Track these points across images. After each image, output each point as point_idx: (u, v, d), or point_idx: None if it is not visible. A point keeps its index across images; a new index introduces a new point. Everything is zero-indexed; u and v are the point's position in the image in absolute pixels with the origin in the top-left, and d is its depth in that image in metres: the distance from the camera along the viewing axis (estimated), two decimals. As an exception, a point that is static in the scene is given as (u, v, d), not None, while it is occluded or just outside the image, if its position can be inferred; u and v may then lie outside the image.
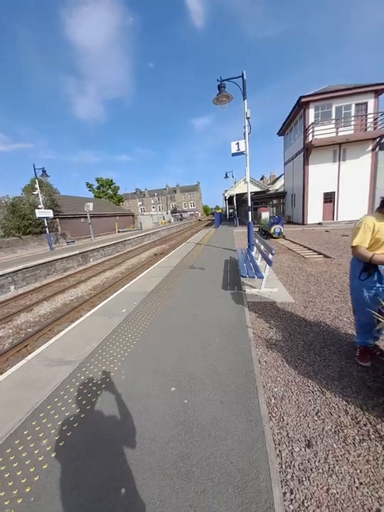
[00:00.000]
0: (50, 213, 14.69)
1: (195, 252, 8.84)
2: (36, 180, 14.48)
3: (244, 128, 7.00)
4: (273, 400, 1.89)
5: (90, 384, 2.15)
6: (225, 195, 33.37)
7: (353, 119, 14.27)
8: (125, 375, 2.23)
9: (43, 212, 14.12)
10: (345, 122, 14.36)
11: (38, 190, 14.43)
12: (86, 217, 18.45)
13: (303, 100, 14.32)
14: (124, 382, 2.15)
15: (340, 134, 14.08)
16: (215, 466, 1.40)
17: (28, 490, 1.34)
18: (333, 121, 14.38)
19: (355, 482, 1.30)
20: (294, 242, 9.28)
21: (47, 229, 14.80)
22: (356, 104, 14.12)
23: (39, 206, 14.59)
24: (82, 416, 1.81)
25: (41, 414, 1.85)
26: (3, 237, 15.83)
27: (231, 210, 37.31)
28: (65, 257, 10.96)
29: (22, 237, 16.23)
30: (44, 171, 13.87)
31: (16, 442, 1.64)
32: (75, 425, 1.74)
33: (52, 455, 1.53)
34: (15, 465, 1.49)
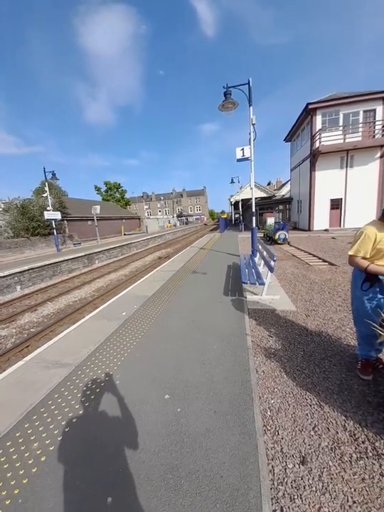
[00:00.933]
0: (58, 215, 15.00)
1: (199, 257, 8.83)
2: (46, 183, 14.86)
3: (250, 134, 7.03)
4: (269, 412, 1.84)
5: (85, 388, 2.14)
6: (231, 200, 33.36)
7: (360, 125, 14.14)
8: (120, 381, 2.22)
9: (51, 214, 14.44)
10: (352, 129, 14.23)
11: (48, 192, 14.79)
12: (93, 219, 18.75)
13: (310, 107, 14.31)
14: (119, 387, 2.13)
15: (347, 140, 13.95)
16: (205, 479, 1.36)
17: (16, 492, 1.34)
18: (341, 128, 14.28)
19: (348, 501, 1.25)
20: (298, 249, 9.16)
21: (54, 231, 15.10)
22: (364, 111, 14.01)
23: (48, 208, 14.93)
24: (74, 421, 1.81)
25: (34, 417, 1.85)
26: (13, 238, 16.22)
27: (237, 215, 37.26)
28: (71, 259, 11.12)
29: (30, 238, 16.59)
30: (54, 174, 14.23)
31: (8, 444, 1.64)
32: (66, 430, 1.73)
33: (42, 459, 1.52)
34: (5, 466, 1.49)
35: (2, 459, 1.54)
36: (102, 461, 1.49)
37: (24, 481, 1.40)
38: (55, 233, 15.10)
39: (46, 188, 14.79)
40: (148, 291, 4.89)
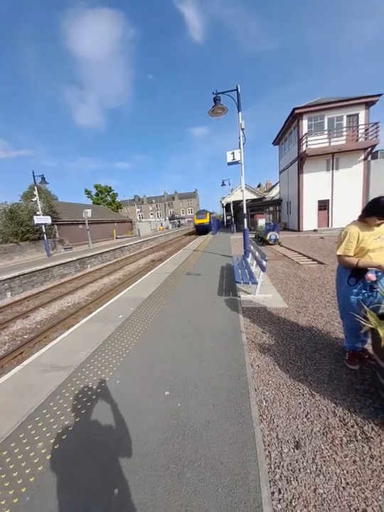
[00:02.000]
0: (48, 220, 14.77)
1: (192, 259, 8.92)
2: (35, 187, 14.62)
3: (239, 139, 7.24)
4: (264, 403, 1.94)
5: (85, 389, 2.18)
6: (223, 202, 33.75)
7: (344, 129, 14.74)
8: (120, 380, 2.27)
9: (41, 219, 14.20)
10: (337, 133, 14.82)
11: (37, 196, 14.54)
12: (84, 223, 18.54)
13: (297, 111, 14.81)
14: (119, 386, 2.18)
15: (332, 144, 14.50)
16: (206, 467, 1.44)
17: (24, 490, 1.37)
18: (326, 132, 14.84)
19: (342, 482, 1.35)
20: (289, 249, 9.42)
21: (45, 235, 14.83)
22: (348, 116, 14.63)
23: (37, 213, 14.68)
24: (77, 420, 1.85)
25: (37, 419, 1.88)
26: (1, 244, 15.80)
27: (228, 217, 37.73)
28: (63, 264, 10.97)
29: (19, 244, 16.21)
30: (43, 178, 14.03)
31: (12, 445, 1.67)
32: (70, 429, 1.77)
33: (48, 457, 1.56)
34: (11, 466, 1.52)
35: (7, 460, 1.56)
36: (106, 456, 1.54)
37: (31, 480, 1.43)
38: (46, 238, 14.83)
39: (35, 192, 14.55)
40: (144, 294, 4.94)
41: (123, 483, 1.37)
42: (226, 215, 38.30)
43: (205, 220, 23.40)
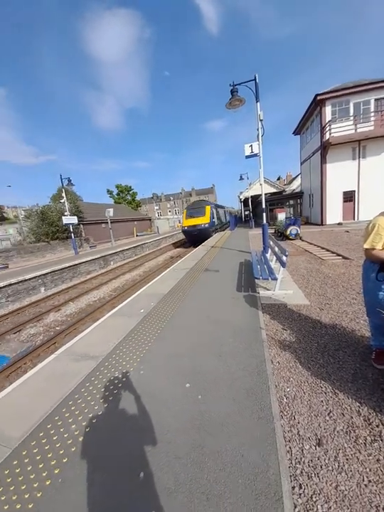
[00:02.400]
0: (75, 220, 15.64)
1: (210, 255, 8.93)
2: (63, 189, 15.51)
3: (258, 130, 7.04)
4: (285, 400, 1.93)
5: (112, 378, 2.34)
6: (240, 197, 33.07)
7: (372, 114, 13.61)
8: (143, 371, 2.39)
9: (68, 219, 15.08)
10: (364, 118, 13.73)
11: (64, 198, 15.43)
12: (107, 222, 19.32)
13: (319, 98, 13.94)
14: (143, 377, 2.31)
15: (359, 130, 13.48)
16: (227, 458, 1.48)
17: (56, 471, 1.50)
18: (352, 118, 13.82)
19: (364, 480, 1.33)
20: (311, 244, 9.03)
21: (72, 234, 15.74)
22: (376, 99, 13.47)
23: (65, 213, 15.59)
24: (105, 406, 1.99)
25: (70, 403, 2.06)
26: (35, 243, 17.08)
27: (246, 212, 36.92)
28: (88, 261, 11.59)
29: (50, 243, 17.41)
30: (69, 181, 14.83)
31: (48, 426, 1.85)
32: (99, 414, 1.91)
33: (80, 439, 1.71)
34: (46, 448, 1.68)
35: (43, 441, 1.74)
36: (132, 441, 1.65)
37: (64, 460, 1.57)
38: (73, 237, 15.74)
39: (63, 194, 15.44)
40: (164, 290, 5.07)
41: (148, 468, 1.46)
42: (244, 210, 37.52)
43: (204, 220, 14.37)
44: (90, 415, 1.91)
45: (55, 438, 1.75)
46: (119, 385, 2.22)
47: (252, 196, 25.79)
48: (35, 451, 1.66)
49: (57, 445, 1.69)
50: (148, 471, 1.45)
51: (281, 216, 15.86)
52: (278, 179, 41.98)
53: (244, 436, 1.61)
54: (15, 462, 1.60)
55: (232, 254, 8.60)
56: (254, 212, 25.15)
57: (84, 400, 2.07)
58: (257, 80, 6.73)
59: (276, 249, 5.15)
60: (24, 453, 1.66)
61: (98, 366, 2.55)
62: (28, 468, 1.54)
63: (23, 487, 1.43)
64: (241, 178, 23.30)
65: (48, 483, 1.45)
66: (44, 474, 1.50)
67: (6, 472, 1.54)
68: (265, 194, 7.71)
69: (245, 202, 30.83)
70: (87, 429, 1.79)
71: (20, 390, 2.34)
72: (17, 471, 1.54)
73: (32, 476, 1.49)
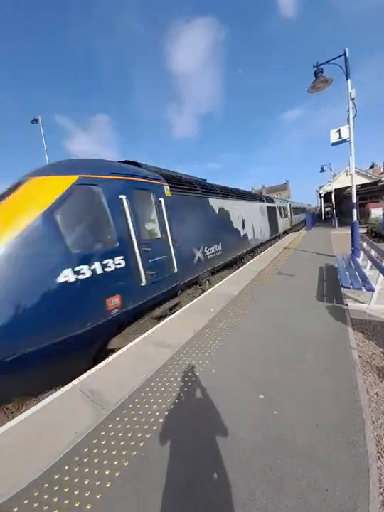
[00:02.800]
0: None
1: (283, 257, 8.21)
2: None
3: (348, 111, 6.00)
4: (384, 441, 1.57)
5: (186, 370, 2.50)
6: (320, 191, 28.83)
7: None
8: (215, 370, 2.44)
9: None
10: None
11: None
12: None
13: None
14: (214, 376, 2.34)
15: None
16: (308, 487, 1.33)
17: (141, 444, 1.71)
18: None
19: None
20: None
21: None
22: None
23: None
24: (180, 395, 2.13)
25: (152, 384, 2.34)
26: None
27: (327, 209, 31.97)
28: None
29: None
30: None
31: (136, 400, 2.15)
32: (176, 401, 2.07)
33: (160, 420, 1.90)
34: (134, 419, 1.95)
35: (132, 414, 2.01)
36: (207, 436, 1.70)
37: (148, 436, 1.77)
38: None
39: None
40: (234, 290, 5.00)
41: (221, 471, 1.46)
42: (324, 207, 32.64)
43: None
44: (169, 399, 2.10)
45: (141, 412, 2.01)
46: (193, 379, 2.33)
47: (335, 190, 22.06)
48: (118, 427, 1.90)
49: (143, 420, 1.93)
50: (222, 474, 1.45)
51: (377, 212, 12.91)
52: (371, 167, 34.17)
53: (329, 470, 1.41)
54: (110, 425, 1.92)
55: (308, 257, 7.64)
56: (337, 208, 21.46)
57: (163, 384, 2.31)
58: (347, 55, 5.73)
59: (373, 252, 4.24)
60: (117, 419, 1.97)
61: (174, 355, 2.80)
62: (120, 435, 1.82)
63: (114, 452, 1.68)
64: (322, 170, 20.34)
65: (134, 454, 1.66)
66: (132, 444, 1.74)
67: (102, 434, 1.85)
68: (356, 186, 6.45)
69: (326, 197, 26.71)
70: (166, 413, 1.96)
71: (113, 364, 2.80)
72: (111, 434, 1.84)
73: (122, 443, 1.75)
